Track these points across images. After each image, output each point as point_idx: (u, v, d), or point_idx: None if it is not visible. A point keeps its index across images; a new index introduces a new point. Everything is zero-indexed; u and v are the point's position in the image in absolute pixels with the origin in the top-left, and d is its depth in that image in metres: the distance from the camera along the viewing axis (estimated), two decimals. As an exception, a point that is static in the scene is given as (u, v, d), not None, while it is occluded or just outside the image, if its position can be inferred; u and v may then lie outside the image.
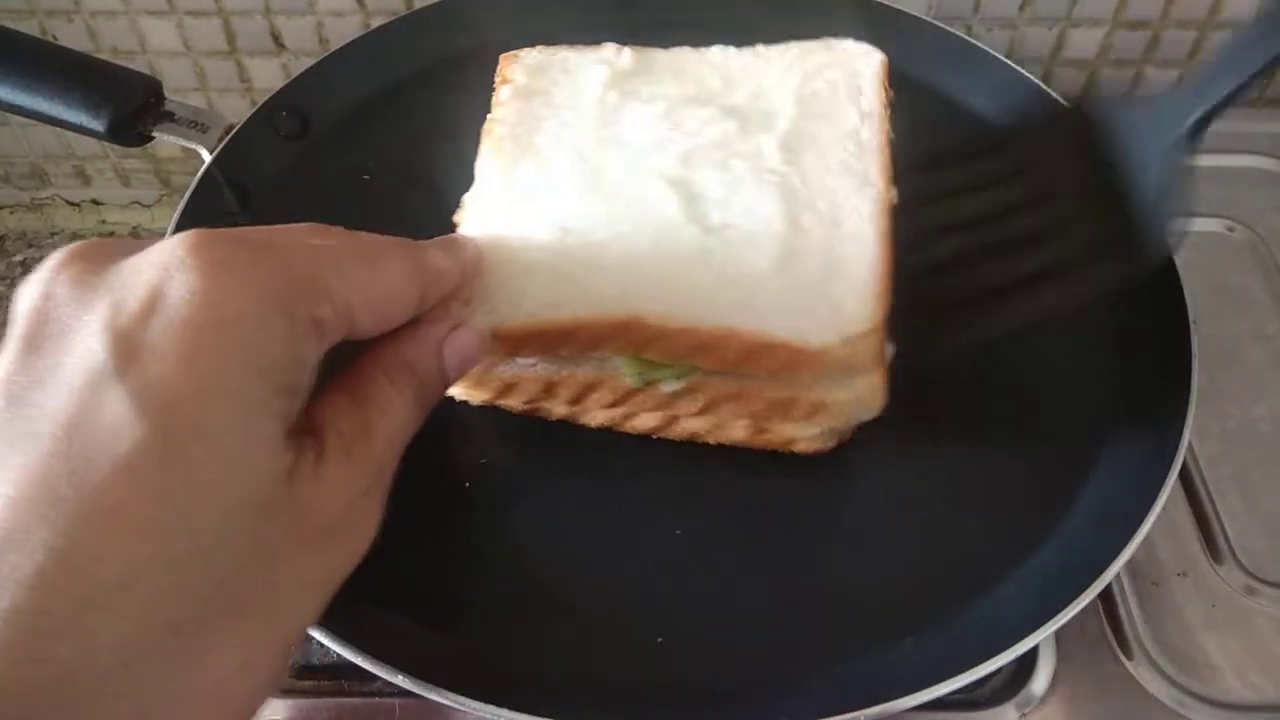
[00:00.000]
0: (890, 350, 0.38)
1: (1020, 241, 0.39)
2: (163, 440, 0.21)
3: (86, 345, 0.22)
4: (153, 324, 0.22)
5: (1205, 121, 0.37)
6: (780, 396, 0.37)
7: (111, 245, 0.25)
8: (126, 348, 0.22)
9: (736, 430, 0.40)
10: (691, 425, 0.40)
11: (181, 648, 0.21)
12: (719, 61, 0.44)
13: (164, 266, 0.23)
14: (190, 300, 0.22)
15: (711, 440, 0.41)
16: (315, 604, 0.26)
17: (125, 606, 0.20)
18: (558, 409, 0.41)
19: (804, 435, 0.40)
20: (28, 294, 0.24)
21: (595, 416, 0.41)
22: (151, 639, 0.20)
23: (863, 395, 0.37)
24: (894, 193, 0.40)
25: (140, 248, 0.24)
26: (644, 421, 0.41)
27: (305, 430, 0.26)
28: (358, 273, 0.27)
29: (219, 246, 0.24)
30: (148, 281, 0.23)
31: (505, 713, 0.34)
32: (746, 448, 0.41)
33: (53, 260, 0.24)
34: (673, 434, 0.41)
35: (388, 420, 0.28)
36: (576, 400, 0.40)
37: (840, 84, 0.42)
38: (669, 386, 0.39)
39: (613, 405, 0.40)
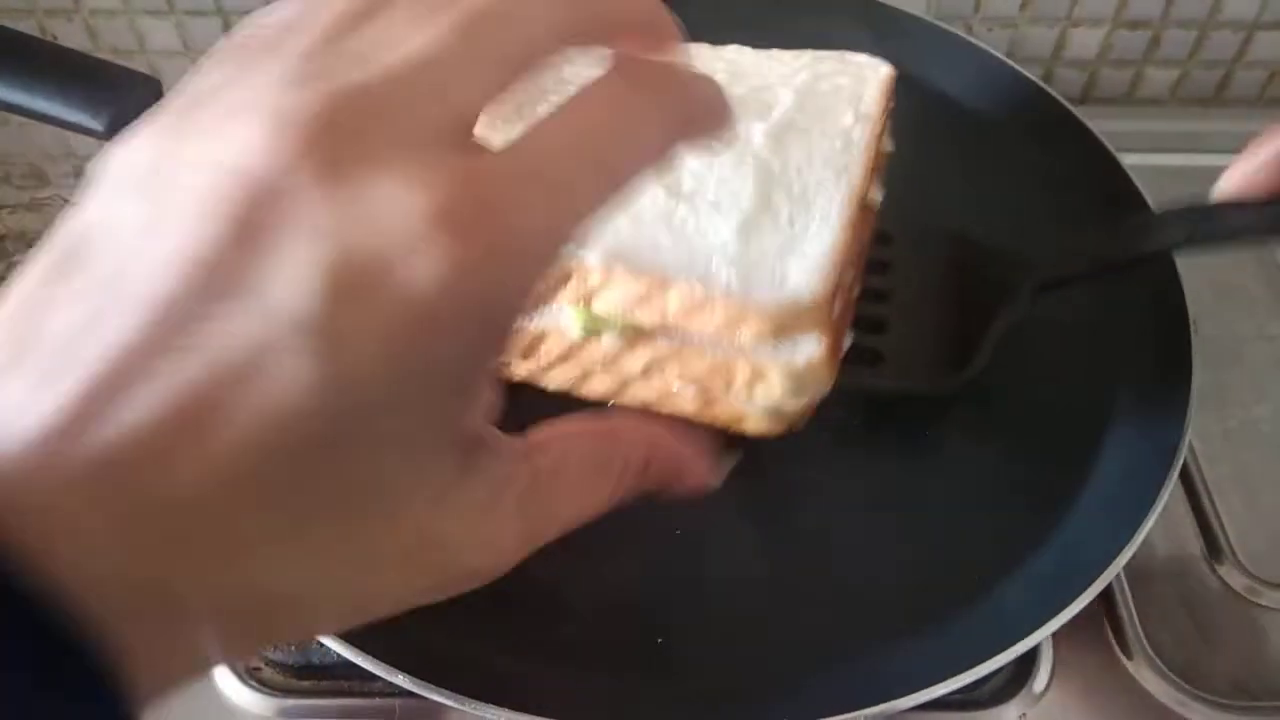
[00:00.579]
0: (849, 338, 0.39)
1: (867, 321, 0.42)
2: (331, 422, 0.18)
3: (298, 273, 0.18)
4: (376, 295, 0.18)
5: (1044, 288, 0.42)
6: (719, 361, 0.37)
7: (363, 129, 0.19)
8: (334, 308, 0.18)
9: (685, 402, 0.40)
10: (641, 393, 0.40)
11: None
12: (732, 57, 0.45)
13: (407, 232, 0.18)
14: (420, 292, 0.18)
15: (663, 412, 0.40)
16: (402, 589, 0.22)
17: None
18: (517, 369, 0.41)
19: (750, 412, 0.39)
20: (252, 161, 0.18)
21: (553, 378, 0.41)
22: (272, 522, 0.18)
23: (804, 372, 0.37)
24: (877, 194, 0.40)
25: (385, 152, 0.18)
26: (598, 385, 0.41)
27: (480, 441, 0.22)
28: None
29: (469, 236, 0.18)
30: (385, 241, 0.18)
31: (505, 713, 0.34)
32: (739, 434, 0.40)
33: (292, 129, 0.18)
34: (626, 401, 0.41)
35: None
36: (528, 353, 0.40)
37: (844, 89, 0.43)
38: (609, 340, 0.38)
39: (564, 360, 0.40)
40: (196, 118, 0.19)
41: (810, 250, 0.37)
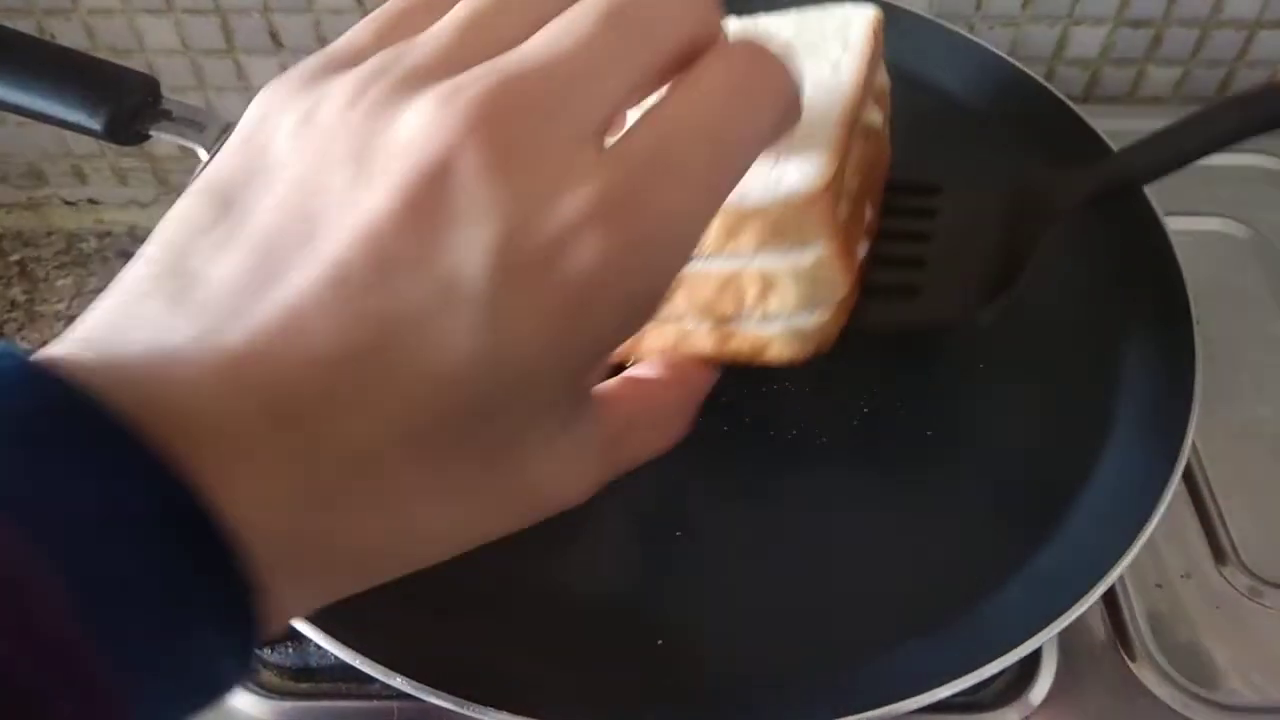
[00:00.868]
0: (863, 248, 0.37)
1: (905, 260, 0.41)
2: (484, 398, 0.19)
3: (471, 252, 0.18)
4: (540, 278, 0.19)
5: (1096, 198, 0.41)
6: (727, 279, 0.36)
7: (527, 119, 0.19)
8: (501, 287, 0.18)
9: (702, 338, 0.38)
10: (656, 341, 0.39)
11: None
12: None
13: (570, 219, 0.19)
14: (579, 276, 0.19)
15: (683, 352, 0.39)
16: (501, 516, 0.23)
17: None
18: None
19: (769, 336, 0.37)
20: (428, 141, 0.18)
21: None
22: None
23: (814, 273, 0.35)
24: (876, 117, 0.40)
25: (548, 142, 0.19)
26: None
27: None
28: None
29: (625, 224, 0.19)
30: (550, 227, 0.19)
31: (504, 716, 0.34)
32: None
33: (470, 109, 0.19)
34: (643, 351, 0.39)
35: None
36: None
37: (830, 30, 0.42)
38: None
39: None
40: (370, 90, 0.20)
41: (805, 156, 0.35)
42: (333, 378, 0.18)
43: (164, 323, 0.18)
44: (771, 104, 0.22)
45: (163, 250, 0.20)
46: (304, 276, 0.18)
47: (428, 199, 0.18)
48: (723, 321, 0.38)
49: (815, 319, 0.37)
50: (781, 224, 0.35)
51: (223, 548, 0.16)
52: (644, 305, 0.21)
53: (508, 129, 0.19)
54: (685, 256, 0.21)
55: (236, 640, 0.18)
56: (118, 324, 0.19)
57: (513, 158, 0.19)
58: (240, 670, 0.18)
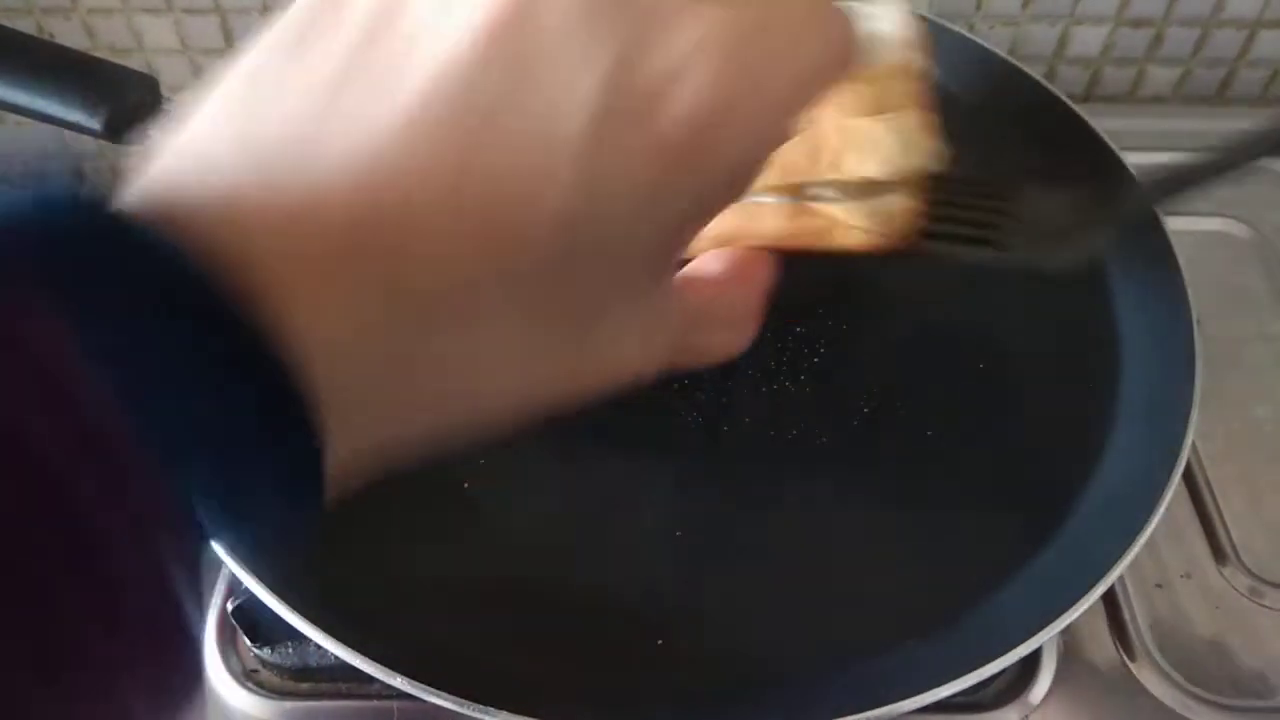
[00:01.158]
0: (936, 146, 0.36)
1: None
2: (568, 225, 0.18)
3: (576, 89, 0.18)
4: (643, 124, 0.18)
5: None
6: (807, 137, 0.34)
7: None
8: (603, 131, 0.18)
9: (770, 215, 0.36)
10: (722, 222, 0.37)
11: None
12: None
13: (690, 54, 0.18)
14: (684, 122, 0.18)
15: (746, 243, 0.35)
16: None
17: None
18: None
19: (840, 212, 0.35)
20: None
21: None
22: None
23: (903, 131, 0.34)
24: (919, 60, 0.39)
25: None
26: None
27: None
28: None
29: (732, 65, 0.19)
30: (660, 63, 0.18)
31: (504, 715, 0.33)
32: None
33: None
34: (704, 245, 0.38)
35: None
36: None
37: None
38: None
39: None
40: None
41: (885, 16, 0.35)
42: (416, 212, 0.17)
43: (248, 134, 0.17)
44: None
45: (243, 72, 0.18)
46: (394, 103, 0.17)
47: (515, 35, 0.17)
48: (793, 191, 0.35)
49: (888, 200, 0.35)
50: (861, 93, 0.33)
51: (288, 380, 0.16)
52: (748, 163, 0.20)
53: None
54: (793, 112, 0.20)
55: (299, 479, 0.17)
56: (191, 149, 0.18)
57: None
58: (301, 510, 0.17)
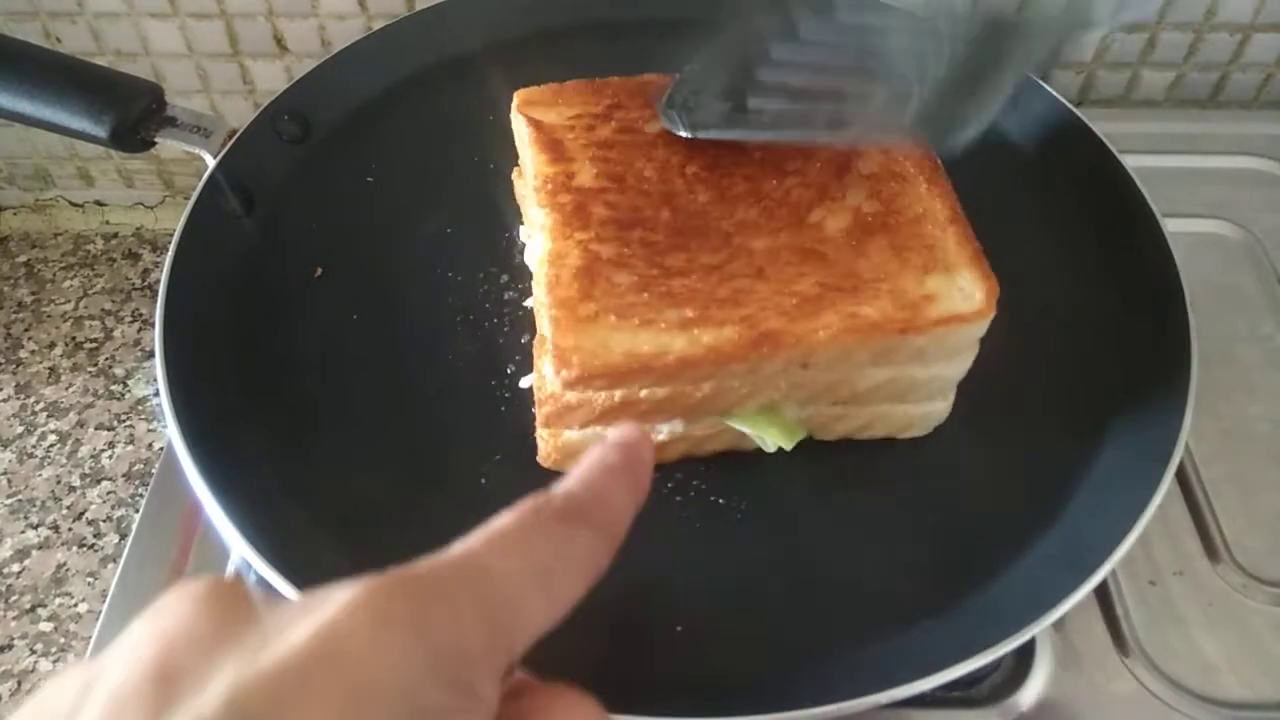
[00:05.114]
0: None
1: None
2: None
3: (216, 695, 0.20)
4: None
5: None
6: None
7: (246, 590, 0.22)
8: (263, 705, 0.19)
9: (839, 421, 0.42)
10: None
11: None
12: None
13: (328, 621, 0.21)
14: (339, 665, 0.20)
15: (825, 437, 0.43)
16: None
17: None
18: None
19: (918, 408, 0.42)
20: (141, 636, 0.21)
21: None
22: None
23: (966, 289, 0.39)
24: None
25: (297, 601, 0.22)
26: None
27: None
28: (537, 609, 0.25)
29: (381, 600, 0.22)
30: (298, 636, 0.20)
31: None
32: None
33: (180, 602, 0.22)
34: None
35: None
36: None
37: None
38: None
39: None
40: None
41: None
42: None
43: None
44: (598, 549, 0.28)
45: None
46: None
47: (165, 669, 0.20)
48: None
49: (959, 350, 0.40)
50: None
51: None
52: None
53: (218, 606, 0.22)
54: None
55: None
56: None
57: (230, 617, 0.21)
58: None
